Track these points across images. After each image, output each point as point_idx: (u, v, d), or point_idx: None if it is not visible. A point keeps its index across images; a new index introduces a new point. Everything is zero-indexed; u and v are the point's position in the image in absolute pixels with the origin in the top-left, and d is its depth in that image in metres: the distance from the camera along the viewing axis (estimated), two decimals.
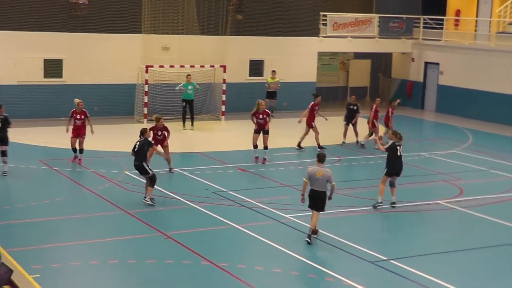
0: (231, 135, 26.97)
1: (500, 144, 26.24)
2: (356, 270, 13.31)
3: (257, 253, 14.20)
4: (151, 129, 19.54)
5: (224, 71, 29.31)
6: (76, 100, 21.01)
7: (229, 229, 15.34)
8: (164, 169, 19.74)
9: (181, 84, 27.08)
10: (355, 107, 24.71)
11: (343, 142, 24.75)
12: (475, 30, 33.57)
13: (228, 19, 30.09)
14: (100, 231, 15.09)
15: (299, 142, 23.76)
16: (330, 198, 14.54)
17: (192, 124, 27.09)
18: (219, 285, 12.41)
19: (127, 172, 19.76)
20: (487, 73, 31.20)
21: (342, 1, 35.31)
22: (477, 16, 33.99)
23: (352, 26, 33.30)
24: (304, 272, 13.08)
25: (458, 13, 34.80)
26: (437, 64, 33.81)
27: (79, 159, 20.80)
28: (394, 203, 17.25)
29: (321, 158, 14.54)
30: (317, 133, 23.53)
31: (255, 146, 21.77)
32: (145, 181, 17.29)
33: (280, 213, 16.45)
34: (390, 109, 24.40)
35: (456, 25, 34.96)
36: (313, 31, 32.33)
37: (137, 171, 17.26)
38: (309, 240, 14.42)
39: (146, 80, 28.10)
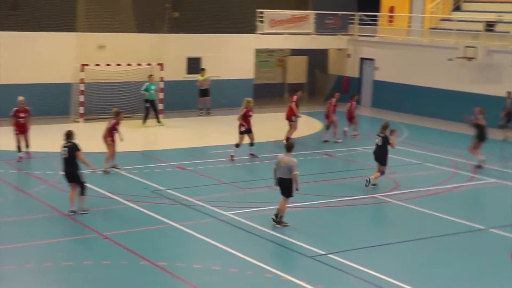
0: (168, 133, 26.81)
1: (434, 137, 26.80)
2: (295, 265, 13.46)
3: (196, 251, 14.20)
4: (113, 124, 19.64)
5: (162, 69, 29.14)
6: (20, 98, 21.20)
7: (168, 228, 15.28)
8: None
9: (145, 86, 27.02)
10: None
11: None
12: (409, 26, 34.18)
13: (165, 17, 29.90)
14: (35, 234, 14.79)
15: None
16: (297, 189, 15.29)
17: (159, 121, 27.68)
18: (158, 284, 12.35)
19: (62, 173, 19.41)
20: (421, 68, 31.83)
21: None
22: (410, 13, 34.61)
23: (288, 23, 33.50)
24: (243, 269, 13.11)
25: (392, 9, 35.34)
26: (372, 59, 34.33)
27: (28, 153, 20.95)
28: (367, 180, 18.63)
29: (287, 148, 15.50)
30: (293, 128, 23.79)
31: (238, 146, 21.86)
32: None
33: (219, 211, 16.44)
34: (354, 103, 25.78)
35: (390, 21, 35.50)
36: (250, 28, 32.41)
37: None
38: (274, 220, 15.40)
39: (82, 79, 27.69)
